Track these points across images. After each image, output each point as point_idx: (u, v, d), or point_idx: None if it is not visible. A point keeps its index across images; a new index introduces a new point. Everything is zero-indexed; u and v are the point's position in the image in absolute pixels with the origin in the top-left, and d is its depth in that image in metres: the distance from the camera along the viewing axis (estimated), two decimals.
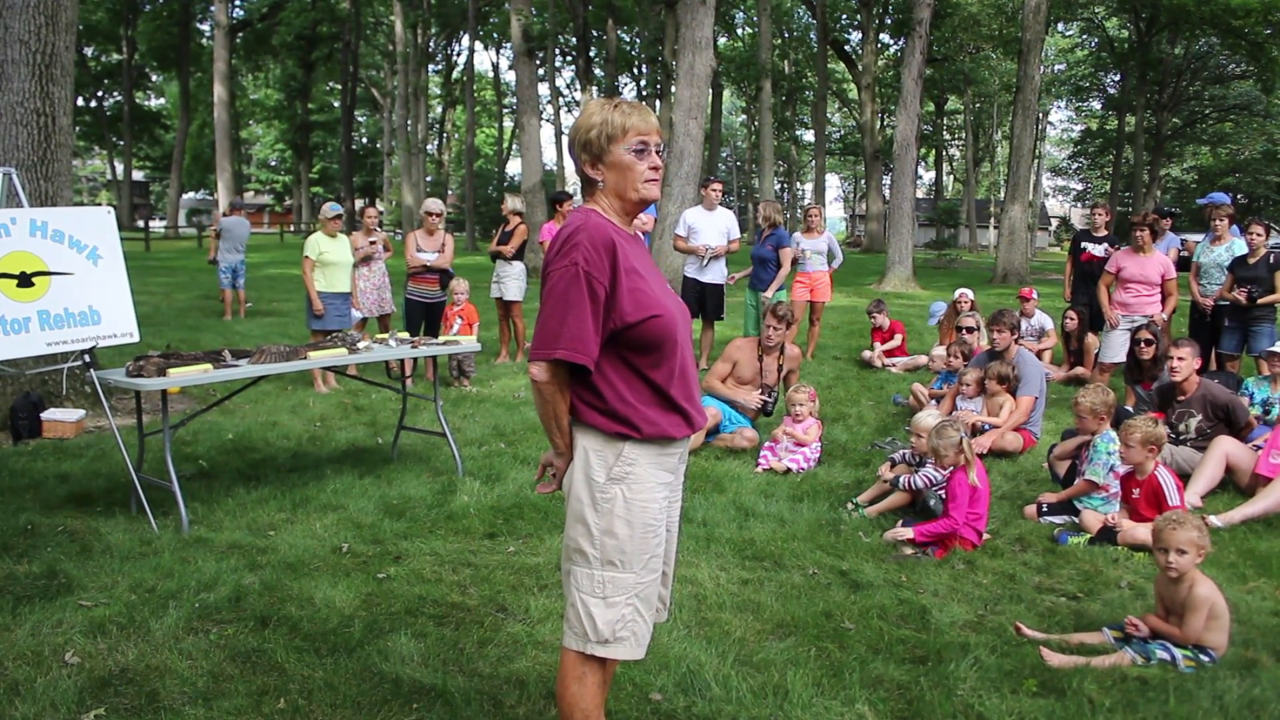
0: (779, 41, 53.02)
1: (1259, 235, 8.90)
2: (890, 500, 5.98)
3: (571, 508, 2.75)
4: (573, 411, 2.75)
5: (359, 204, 55.40)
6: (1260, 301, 8.79)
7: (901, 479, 5.94)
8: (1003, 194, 32.29)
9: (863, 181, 60.21)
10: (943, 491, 5.61)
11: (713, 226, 10.63)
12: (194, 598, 4.42)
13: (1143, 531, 5.30)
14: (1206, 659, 3.95)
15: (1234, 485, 6.42)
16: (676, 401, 2.76)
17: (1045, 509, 5.90)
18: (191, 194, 69.73)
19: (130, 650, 3.90)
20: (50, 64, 7.83)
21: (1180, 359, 6.82)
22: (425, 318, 10.39)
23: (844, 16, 49.36)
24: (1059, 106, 64.73)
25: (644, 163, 2.74)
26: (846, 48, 48.65)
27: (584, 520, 2.72)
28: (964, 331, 9.30)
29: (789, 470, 6.88)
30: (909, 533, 5.34)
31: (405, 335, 7.19)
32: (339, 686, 3.66)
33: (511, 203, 11.25)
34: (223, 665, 3.81)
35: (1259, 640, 4.18)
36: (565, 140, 2.79)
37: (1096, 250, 10.59)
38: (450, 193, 62.14)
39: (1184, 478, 6.16)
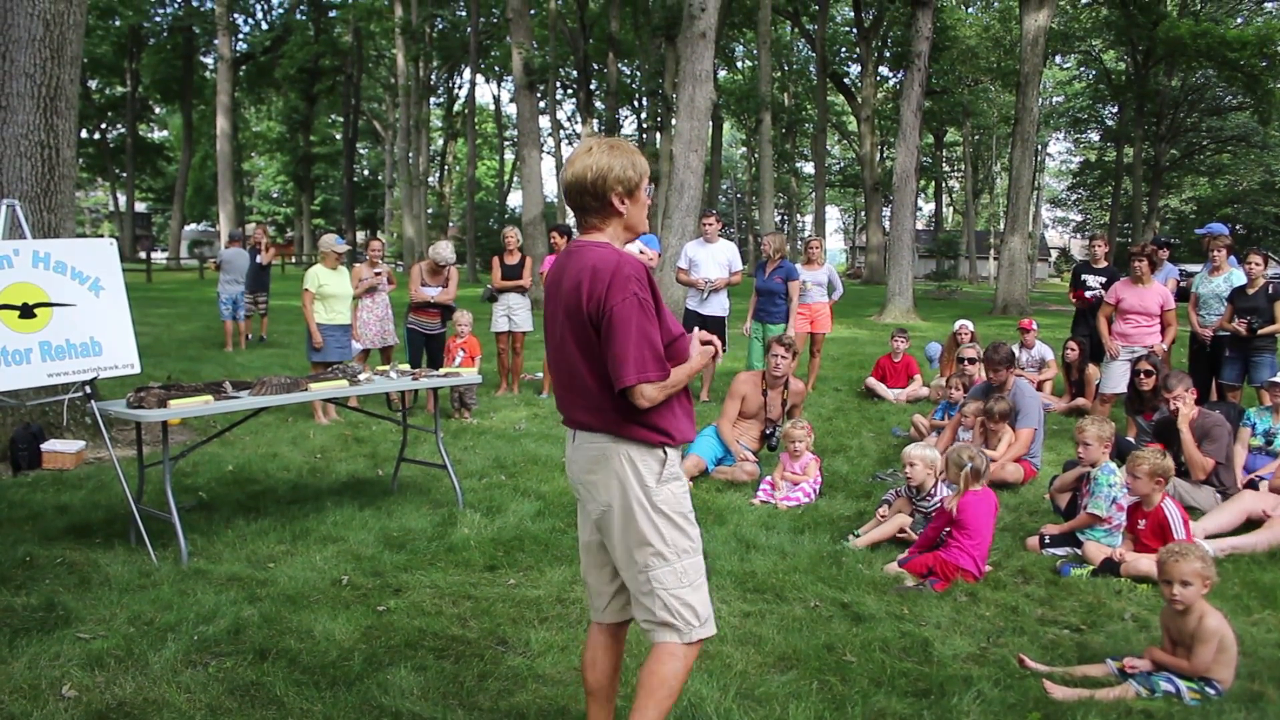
0: (779, 74, 53.41)
1: (1258, 265, 8.92)
2: (880, 531, 5.95)
3: (632, 525, 3.01)
4: (610, 428, 3.01)
5: (360, 236, 55.66)
6: (1260, 332, 8.79)
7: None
8: (1002, 225, 32.43)
9: (862, 213, 60.49)
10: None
11: (712, 259, 10.65)
12: (193, 630, 4.39)
13: (1146, 563, 5.28)
14: (1212, 691, 3.92)
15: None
16: (689, 410, 3.15)
17: (1047, 541, 5.87)
18: (193, 226, 70.01)
19: (128, 683, 3.88)
20: (55, 97, 7.88)
21: (1178, 397, 6.82)
22: (426, 349, 10.40)
23: (843, 50, 49.81)
24: (1057, 138, 65.21)
25: (648, 201, 3.16)
26: (846, 80, 49.04)
27: (651, 525, 3.00)
28: (964, 363, 9.30)
29: (789, 507, 6.84)
30: (910, 580, 5.29)
31: (406, 367, 7.19)
32: None
33: (518, 236, 11.34)
34: (221, 699, 3.78)
35: (1264, 673, 4.15)
36: (588, 174, 3.01)
37: (1092, 282, 10.67)
38: (451, 225, 62.36)
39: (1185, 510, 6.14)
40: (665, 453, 3.04)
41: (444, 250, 10.50)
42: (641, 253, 10.28)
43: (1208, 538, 5.96)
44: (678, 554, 3.02)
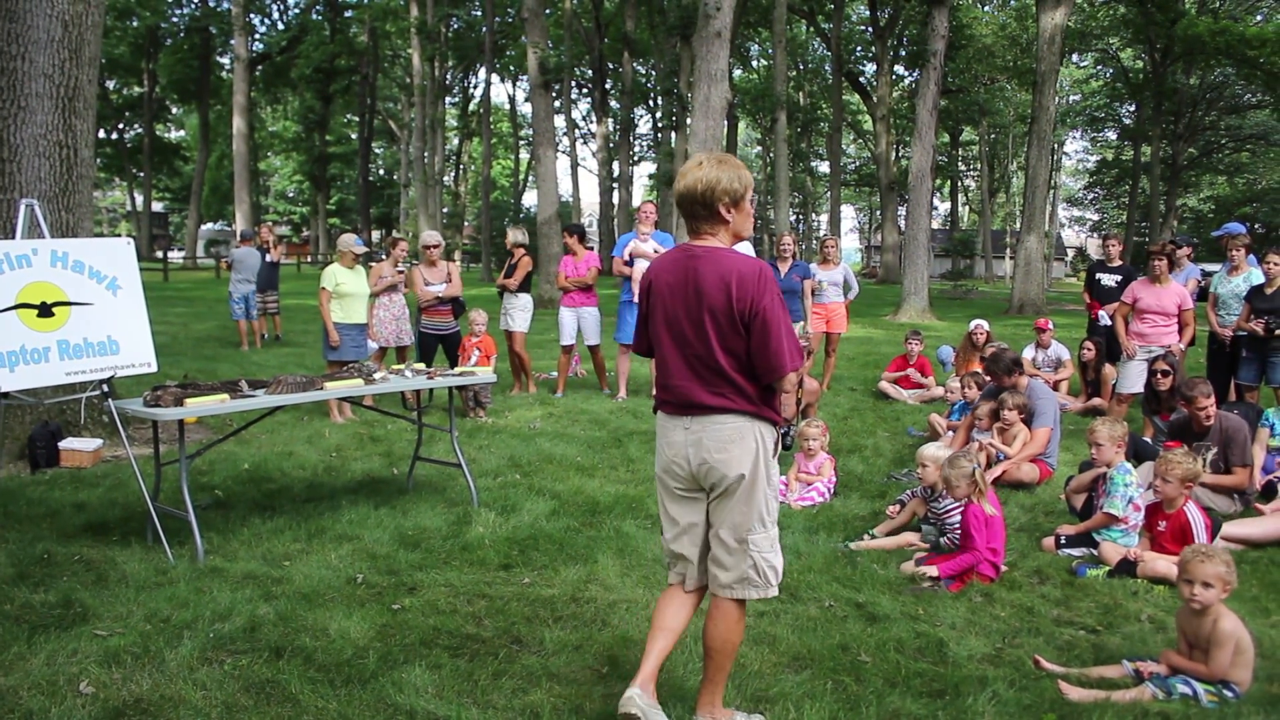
0: (794, 73, 53.33)
1: (1277, 265, 8.84)
2: (886, 543, 5.92)
3: (755, 488, 3.42)
4: (748, 409, 3.40)
5: (375, 235, 55.80)
6: (1278, 332, 8.72)
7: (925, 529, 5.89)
8: (1018, 224, 32.28)
9: (878, 212, 60.36)
10: (955, 532, 5.57)
11: None
12: (209, 628, 4.42)
13: (1163, 564, 5.26)
14: (1230, 694, 3.90)
15: None
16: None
17: (1063, 541, 5.84)
18: (210, 225, 70.38)
19: (145, 680, 3.90)
20: (73, 97, 7.93)
21: (1207, 403, 6.77)
22: (440, 349, 10.41)
23: (858, 48, 49.70)
24: (1074, 137, 64.87)
25: (752, 209, 3.57)
26: (861, 79, 48.94)
27: (764, 495, 3.44)
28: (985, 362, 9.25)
29: (804, 507, 6.82)
30: (933, 571, 5.28)
31: (421, 366, 7.20)
32: (353, 718, 3.65)
33: (515, 236, 11.31)
34: (237, 696, 3.80)
35: None
36: (699, 186, 3.41)
37: (1108, 281, 10.67)
38: (467, 224, 62.47)
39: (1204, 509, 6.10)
40: (775, 432, 3.50)
41: (429, 234, 10.57)
42: (656, 251, 10.32)
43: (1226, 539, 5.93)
44: (771, 523, 3.49)
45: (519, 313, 11.18)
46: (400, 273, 10.32)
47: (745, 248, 10.78)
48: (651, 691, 3.45)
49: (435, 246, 10.43)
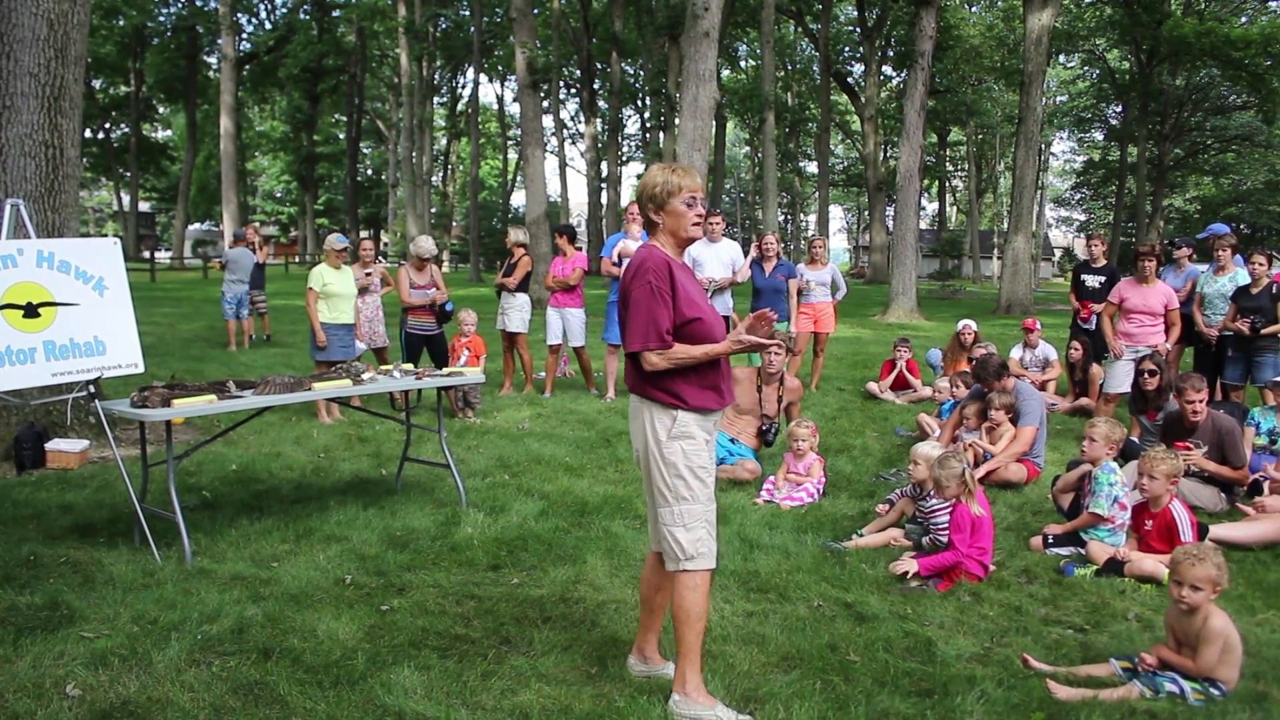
0: (782, 74, 53.42)
1: (1261, 265, 8.90)
2: (873, 540, 5.93)
3: (649, 466, 3.71)
4: (638, 390, 3.70)
5: (362, 235, 55.70)
6: (1264, 332, 8.77)
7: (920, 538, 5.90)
8: (1006, 225, 32.38)
9: (866, 213, 60.50)
10: (942, 534, 5.58)
11: (716, 258, 10.63)
12: (196, 629, 4.40)
13: (1150, 563, 5.28)
14: (1216, 692, 3.91)
15: None
16: (710, 382, 3.71)
17: (1051, 540, 5.86)
18: (197, 225, 70.12)
19: (132, 682, 3.88)
20: (59, 96, 7.89)
21: (1197, 397, 6.78)
22: (425, 350, 10.38)
23: (846, 49, 49.83)
24: (1061, 137, 65.20)
25: (692, 211, 3.72)
26: (849, 80, 49.08)
27: (659, 471, 3.68)
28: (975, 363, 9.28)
29: (792, 507, 6.82)
30: (913, 565, 5.30)
31: (409, 367, 7.18)
32: (341, 719, 3.63)
33: (515, 235, 11.27)
34: (225, 698, 3.79)
35: (1269, 673, 4.14)
36: (636, 195, 3.74)
37: (1092, 282, 10.73)
38: (455, 224, 62.38)
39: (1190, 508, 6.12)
40: (675, 414, 3.65)
41: (424, 243, 10.50)
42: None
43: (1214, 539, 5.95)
44: (676, 500, 3.67)
45: (516, 313, 11.15)
46: (369, 275, 10.28)
47: (735, 249, 10.82)
48: (644, 656, 4.06)
49: (427, 260, 10.38)
